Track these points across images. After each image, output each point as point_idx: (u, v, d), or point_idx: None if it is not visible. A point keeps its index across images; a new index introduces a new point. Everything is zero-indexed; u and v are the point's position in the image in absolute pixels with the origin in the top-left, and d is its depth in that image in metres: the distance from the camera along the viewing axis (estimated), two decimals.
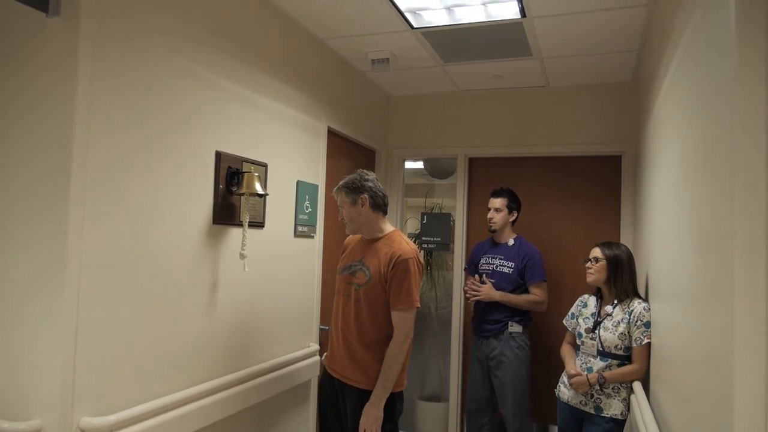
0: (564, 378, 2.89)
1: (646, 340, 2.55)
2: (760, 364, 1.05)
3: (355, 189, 2.46)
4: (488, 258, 3.60)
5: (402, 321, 2.36)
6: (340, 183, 2.51)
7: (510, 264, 3.50)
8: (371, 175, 2.52)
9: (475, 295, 3.49)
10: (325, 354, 2.69)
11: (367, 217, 2.48)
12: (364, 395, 2.36)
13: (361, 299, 2.41)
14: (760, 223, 1.06)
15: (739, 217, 1.08)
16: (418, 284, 2.41)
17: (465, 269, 3.90)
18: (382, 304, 2.39)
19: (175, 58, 2.13)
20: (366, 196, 2.46)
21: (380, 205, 2.50)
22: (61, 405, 1.68)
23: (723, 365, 1.16)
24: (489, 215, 3.57)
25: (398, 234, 2.52)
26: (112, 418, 1.79)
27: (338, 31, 3.13)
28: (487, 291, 3.46)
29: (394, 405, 2.41)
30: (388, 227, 2.54)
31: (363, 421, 2.32)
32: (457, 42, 3.24)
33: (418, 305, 2.39)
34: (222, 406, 2.35)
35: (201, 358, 2.30)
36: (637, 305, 2.65)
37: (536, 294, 3.45)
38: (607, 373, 2.64)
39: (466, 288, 3.61)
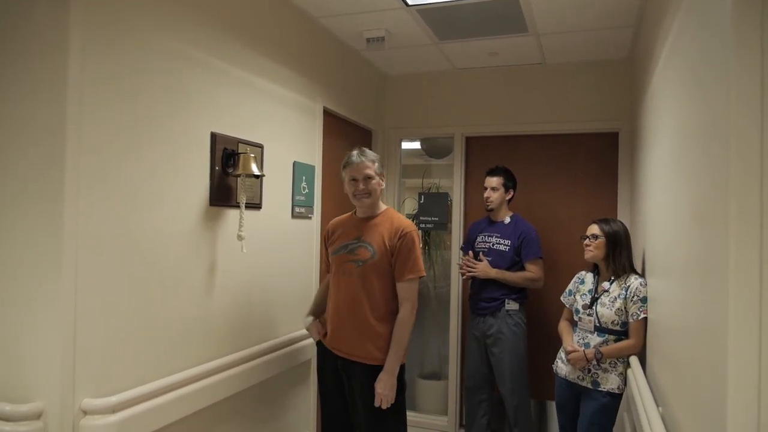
0: (561, 354, 2.92)
1: (642, 315, 2.58)
2: (753, 337, 1.06)
3: (382, 165, 2.59)
4: (485, 236, 3.61)
5: (410, 291, 2.45)
6: (371, 153, 2.55)
7: (506, 242, 3.52)
8: None
9: (471, 272, 3.51)
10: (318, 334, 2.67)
11: (379, 194, 2.58)
12: (373, 371, 2.41)
13: (369, 274, 2.46)
14: (754, 198, 1.06)
15: (734, 192, 1.08)
16: (420, 254, 2.53)
17: (462, 248, 3.91)
18: (389, 277, 2.47)
19: (167, 39, 2.11)
20: (383, 174, 2.59)
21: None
22: (62, 387, 1.69)
23: (717, 338, 1.17)
24: (486, 194, 3.57)
25: (394, 210, 2.65)
26: (114, 399, 1.81)
27: (332, 9, 3.10)
28: (484, 268, 3.48)
29: (402, 378, 2.47)
30: (383, 205, 2.64)
31: (380, 390, 2.37)
32: (452, 19, 3.20)
33: (423, 274, 2.50)
34: (223, 386, 2.37)
35: (201, 339, 2.32)
36: (634, 281, 2.67)
37: (532, 271, 3.46)
38: (604, 349, 2.67)
39: (461, 264, 3.63)
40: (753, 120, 1.07)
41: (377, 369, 2.41)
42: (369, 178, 2.50)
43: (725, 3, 1.13)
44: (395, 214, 2.59)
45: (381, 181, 2.56)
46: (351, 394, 2.50)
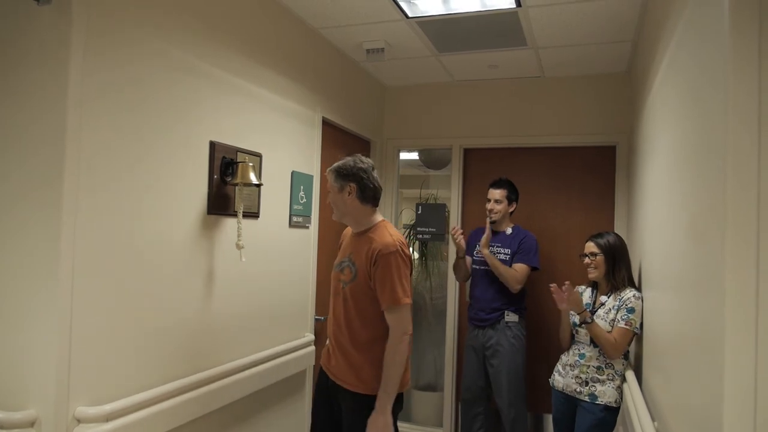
0: (558, 367, 2.91)
1: (622, 324, 2.60)
2: (749, 350, 1.06)
3: (344, 175, 2.28)
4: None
5: (394, 320, 2.19)
6: (334, 164, 2.34)
7: (506, 251, 3.52)
8: (366, 164, 2.31)
9: (461, 233, 3.52)
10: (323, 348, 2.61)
11: (352, 207, 2.29)
12: (358, 397, 2.25)
13: (348, 298, 2.27)
14: (750, 211, 1.07)
15: (730, 205, 1.09)
16: (405, 277, 2.23)
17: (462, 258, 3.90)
18: (369, 302, 2.23)
19: (168, 48, 2.12)
20: (354, 185, 2.27)
21: (369, 198, 2.30)
22: (56, 395, 1.68)
23: (714, 353, 1.17)
24: (489, 206, 3.57)
25: (383, 225, 2.33)
26: (108, 408, 1.80)
27: (332, 20, 3.11)
28: (485, 240, 3.46)
29: (393, 408, 2.24)
30: (377, 218, 2.35)
31: (371, 430, 2.17)
32: (452, 31, 3.23)
33: (406, 301, 2.20)
34: (219, 396, 2.35)
35: (197, 349, 2.31)
36: (628, 292, 2.67)
37: (516, 270, 3.44)
38: (593, 323, 2.68)
39: (453, 232, 3.57)
40: (750, 136, 1.07)
41: (358, 396, 2.24)
42: (329, 191, 2.35)
43: (723, 18, 1.14)
44: (382, 230, 2.29)
45: (344, 196, 2.28)
46: (339, 414, 2.35)
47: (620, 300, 2.67)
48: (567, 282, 2.76)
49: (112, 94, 1.87)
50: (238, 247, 2.45)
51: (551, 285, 2.83)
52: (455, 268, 3.72)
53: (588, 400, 2.70)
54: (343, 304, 2.30)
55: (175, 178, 2.17)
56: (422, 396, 4.39)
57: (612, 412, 2.66)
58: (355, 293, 2.26)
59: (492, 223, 3.60)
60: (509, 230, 3.59)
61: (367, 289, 2.23)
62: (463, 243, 3.57)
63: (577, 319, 2.82)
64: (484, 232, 3.66)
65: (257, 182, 2.46)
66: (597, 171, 3.95)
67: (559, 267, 3.90)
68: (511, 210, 3.60)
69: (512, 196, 3.58)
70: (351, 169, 2.28)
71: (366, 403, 2.22)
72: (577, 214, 3.98)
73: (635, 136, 3.24)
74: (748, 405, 1.06)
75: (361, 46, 3.46)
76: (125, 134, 1.93)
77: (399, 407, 2.33)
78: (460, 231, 3.55)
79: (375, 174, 2.34)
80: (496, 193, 3.56)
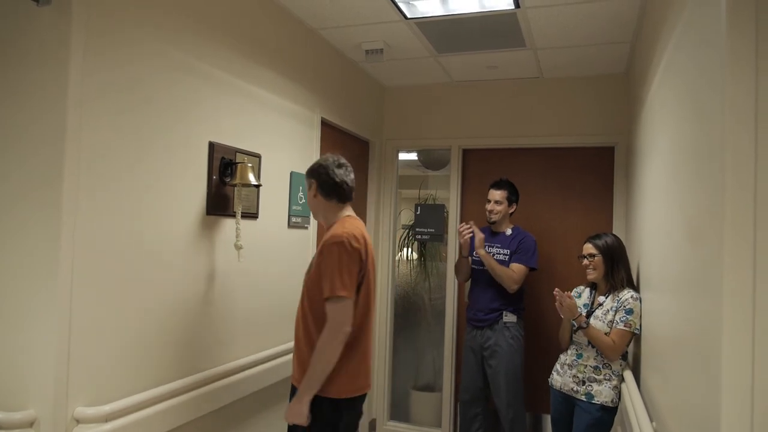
0: (557, 366, 2.92)
1: (622, 326, 2.60)
2: (746, 350, 1.06)
3: (309, 173, 2.31)
4: (486, 246, 3.61)
5: (331, 311, 2.08)
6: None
7: (506, 251, 3.53)
8: (331, 160, 2.28)
9: (469, 231, 3.46)
10: None
11: (317, 203, 2.29)
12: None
13: (305, 293, 2.23)
14: (748, 213, 1.07)
15: (728, 206, 1.09)
16: (347, 271, 2.09)
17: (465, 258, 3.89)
18: (320, 296, 2.13)
19: (168, 49, 2.12)
20: (314, 181, 2.27)
21: (331, 194, 2.25)
22: (55, 395, 1.69)
23: (711, 351, 1.17)
24: (489, 207, 3.57)
25: (344, 220, 2.25)
26: (107, 408, 1.80)
27: (332, 21, 3.12)
28: (479, 242, 3.44)
29: (340, 415, 2.15)
30: (343, 214, 2.29)
31: (285, 416, 2.14)
32: (451, 32, 3.23)
33: (343, 294, 2.06)
34: (218, 396, 2.36)
35: (196, 349, 2.31)
36: (626, 294, 2.68)
37: (514, 271, 3.44)
38: (590, 326, 2.68)
39: (460, 229, 3.53)
40: (747, 136, 1.08)
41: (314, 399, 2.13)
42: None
43: (720, 20, 1.15)
44: (339, 224, 2.21)
45: (311, 194, 2.30)
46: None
47: (618, 301, 2.68)
48: (556, 289, 2.77)
49: (112, 94, 1.87)
50: (237, 247, 2.46)
51: (556, 290, 2.81)
52: (458, 266, 3.72)
53: (585, 400, 2.71)
54: (301, 299, 2.27)
55: (175, 179, 2.18)
56: (421, 396, 4.39)
57: (609, 412, 2.67)
58: (309, 286, 2.21)
59: (492, 223, 3.61)
60: (509, 231, 3.60)
61: (318, 280, 2.15)
62: (467, 241, 3.50)
63: (575, 322, 2.83)
64: (484, 234, 3.67)
65: (256, 183, 2.47)
66: (595, 172, 3.96)
67: (557, 268, 3.91)
68: (511, 211, 3.60)
69: (512, 198, 3.59)
70: (314, 166, 2.32)
71: (315, 403, 2.11)
72: (576, 215, 3.98)
73: (634, 137, 3.25)
74: (746, 405, 1.07)
75: (360, 46, 3.47)
76: (125, 134, 1.93)
77: (356, 415, 2.25)
78: (469, 229, 3.47)
79: (341, 170, 2.28)
80: (497, 194, 3.56)
